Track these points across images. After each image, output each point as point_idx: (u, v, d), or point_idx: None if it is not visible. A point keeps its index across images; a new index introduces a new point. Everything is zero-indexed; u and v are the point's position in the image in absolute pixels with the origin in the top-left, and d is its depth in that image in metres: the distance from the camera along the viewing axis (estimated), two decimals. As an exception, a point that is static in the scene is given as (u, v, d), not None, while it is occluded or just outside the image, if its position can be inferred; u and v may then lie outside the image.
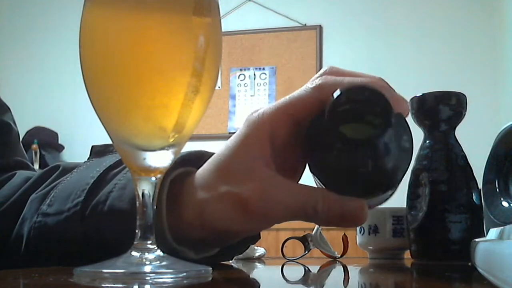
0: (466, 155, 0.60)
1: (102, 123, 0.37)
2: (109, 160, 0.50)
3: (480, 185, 0.58)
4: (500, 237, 0.24)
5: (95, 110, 0.37)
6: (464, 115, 0.62)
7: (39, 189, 0.51)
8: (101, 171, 0.48)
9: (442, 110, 0.60)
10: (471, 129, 1.14)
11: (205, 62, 0.37)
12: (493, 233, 0.26)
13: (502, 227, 0.24)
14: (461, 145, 0.61)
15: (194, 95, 0.36)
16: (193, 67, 0.36)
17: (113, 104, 0.36)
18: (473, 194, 0.57)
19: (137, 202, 0.36)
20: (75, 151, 3.00)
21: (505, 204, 0.55)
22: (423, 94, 0.59)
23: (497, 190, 0.56)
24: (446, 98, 0.60)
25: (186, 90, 0.36)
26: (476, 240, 0.31)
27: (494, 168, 0.57)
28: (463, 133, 0.64)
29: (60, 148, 3.10)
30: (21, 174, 0.56)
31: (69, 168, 0.52)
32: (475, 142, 1.12)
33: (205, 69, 0.37)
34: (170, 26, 0.36)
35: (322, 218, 0.40)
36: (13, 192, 0.52)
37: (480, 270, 0.29)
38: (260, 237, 0.51)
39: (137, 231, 0.35)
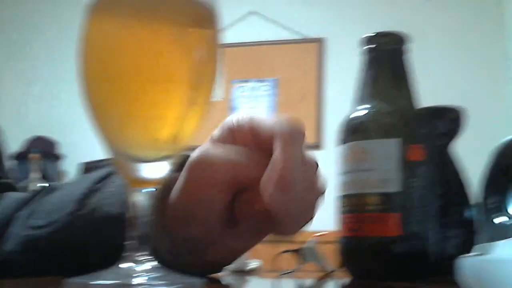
0: (463, 169, 0.60)
1: (98, 134, 0.37)
2: (97, 174, 0.50)
3: (475, 201, 0.58)
4: (485, 254, 0.24)
5: (91, 121, 0.37)
6: (462, 129, 0.62)
7: (25, 207, 0.50)
8: (91, 183, 0.48)
9: (440, 125, 0.60)
10: (469, 143, 1.14)
11: (203, 75, 0.37)
12: (478, 249, 0.27)
13: (487, 243, 0.24)
14: (458, 159, 0.61)
15: (191, 107, 0.37)
16: (191, 79, 0.36)
17: (109, 115, 0.36)
18: (468, 210, 0.57)
19: (131, 213, 0.36)
20: (76, 160, 3.00)
21: (499, 220, 0.55)
22: (420, 108, 0.59)
23: (492, 206, 0.56)
24: (444, 112, 0.61)
25: (183, 102, 0.36)
26: (461, 256, 0.31)
27: (489, 184, 0.57)
28: (460, 147, 0.64)
29: (60, 157, 3.10)
30: (9, 197, 0.54)
31: (55, 187, 0.52)
32: (472, 157, 1.12)
33: (203, 81, 0.37)
34: (168, 38, 0.36)
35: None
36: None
37: (464, 286, 0.29)
38: None
39: (129, 242, 0.35)
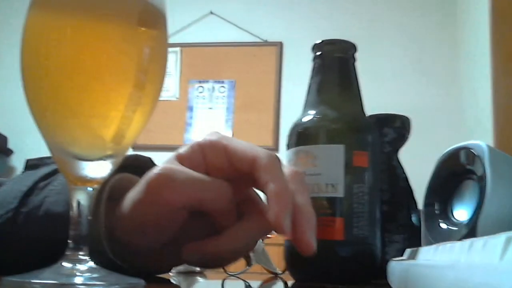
0: (410, 176, 0.62)
1: (40, 131, 0.36)
2: (43, 171, 0.49)
3: (420, 207, 0.59)
4: (413, 257, 0.24)
5: (33, 117, 0.36)
6: (408, 137, 0.64)
7: None
8: (36, 180, 0.47)
9: (387, 132, 0.61)
10: (415, 151, 1.17)
11: (148, 74, 0.37)
12: (407, 254, 0.27)
13: (416, 248, 0.25)
14: (404, 166, 0.62)
15: (135, 107, 0.36)
16: (135, 78, 0.36)
17: (51, 112, 0.36)
18: (413, 215, 0.59)
19: (71, 212, 0.35)
20: (25, 156, 2.92)
21: (443, 226, 0.56)
22: (366, 116, 0.60)
23: (436, 212, 0.58)
24: (390, 120, 0.62)
25: (127, 101, 0.36)
26: (392, 259, 0.31)
27: (434, 191, 0.58)
28: (406, 154, 0.65)
29: (9, 152, 3.02)
30: None
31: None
32: (418, 163, 1.15)
33: (147, 81, 0.37)
34: (113, 36, 0.35)
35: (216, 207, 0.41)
36: None
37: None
38: None
39: (69, 241, 0.35)
